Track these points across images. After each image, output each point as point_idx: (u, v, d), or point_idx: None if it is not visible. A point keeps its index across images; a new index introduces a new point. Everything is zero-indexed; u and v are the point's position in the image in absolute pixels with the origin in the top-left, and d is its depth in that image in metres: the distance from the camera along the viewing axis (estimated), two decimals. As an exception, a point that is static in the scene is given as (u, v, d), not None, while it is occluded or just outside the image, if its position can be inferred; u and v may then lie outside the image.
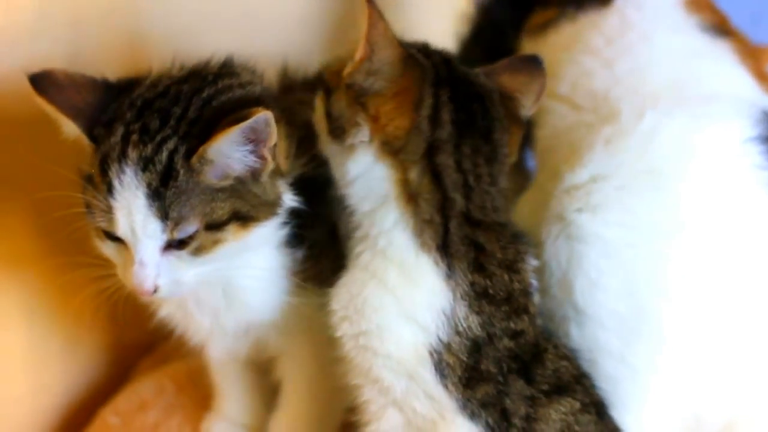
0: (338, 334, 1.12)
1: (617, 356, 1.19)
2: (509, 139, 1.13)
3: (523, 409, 1.09)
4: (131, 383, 1.50)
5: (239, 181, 1.11)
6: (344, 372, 1.15)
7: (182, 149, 1.08)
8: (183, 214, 1.08)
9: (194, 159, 1.08)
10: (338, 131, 1.10)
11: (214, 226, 1.10)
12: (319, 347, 1.23)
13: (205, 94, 1.12)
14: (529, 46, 1.41)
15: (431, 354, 1.07)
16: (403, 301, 1.08)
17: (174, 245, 1.10)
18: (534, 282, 1.13)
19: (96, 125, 1.13)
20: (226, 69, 1.18)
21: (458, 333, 1.08)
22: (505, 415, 1.08)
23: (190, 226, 1.09)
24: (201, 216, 1.09)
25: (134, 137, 1.09)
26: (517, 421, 1.08)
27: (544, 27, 1.39)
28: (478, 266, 1.09)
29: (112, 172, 1.09)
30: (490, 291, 1.09)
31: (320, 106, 1.14)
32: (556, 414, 1.09)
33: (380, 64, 1.08)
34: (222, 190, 1.10)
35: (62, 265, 1.31)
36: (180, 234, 1.09)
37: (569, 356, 1.14)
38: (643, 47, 1.30)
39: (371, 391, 1.12)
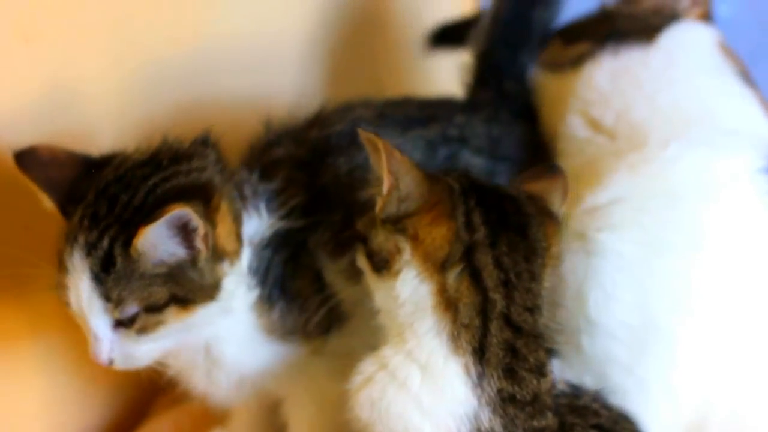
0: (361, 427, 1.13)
1: (626, 368, 1.24)
2: (547, 232, 1.14)
3: None
4: (149, 421, 1.51)
5: (175, 267, 1.14)
6: None
7: (121, 237, 1.13)
8: (123, 297, 1.14)
9: (131, 249, 1.12)
10: (382, 263, 1.12)
11: (154, 309, 1.15)
12: (317, 389, 1.27)
13: (151, 182, 1.16)
14: (555, 81, 1.45)
15: None
16: (425, 406, 1.08)
17: (123, 324, 1.15)
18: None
19: (70, 202, 1.18)
20: (185, 152, 1.21)
21: (479, 431, 1.08)
22: None
23: (131, 308, 1.15)
24: (140, 299, 1.14)
25: (85, 222, 1.15)
26: None
27: (580, 61, 1.43)
28: (510, 372, 1.09)
29: (66, 253, 1.15)
30: (517, 396, 1.09)
31: (361, 255, 1.16)
32: None
33: (408, 188, 1.11)
34: (159, 275, 1.14)
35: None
36: (122, 315, 1.15)
37: (597, 411, 1.15)
38: (684, 83, 1.36)
39: None
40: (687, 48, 1.40)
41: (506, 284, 1.09)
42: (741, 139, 1.30)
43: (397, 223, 1.11)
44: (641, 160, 1.28)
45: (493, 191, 1.15)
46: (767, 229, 1.25)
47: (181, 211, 1.11)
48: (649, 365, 1.24)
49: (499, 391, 1.08)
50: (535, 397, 1.09)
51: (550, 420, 1.10)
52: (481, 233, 1.10)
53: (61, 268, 1.16)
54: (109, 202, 1.15)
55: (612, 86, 1.38)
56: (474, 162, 1.36)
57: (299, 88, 1.72)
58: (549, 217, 1.16)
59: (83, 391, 1.48)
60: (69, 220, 1.17)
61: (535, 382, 1.10)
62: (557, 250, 1.15)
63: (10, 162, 1.21)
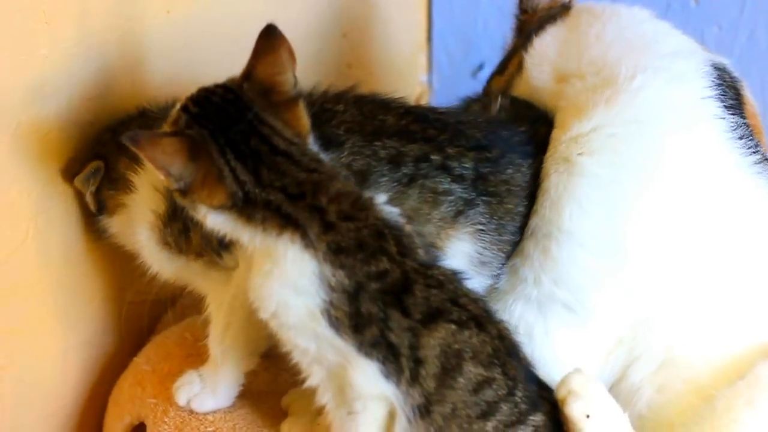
0: (262, 318, 1.27)
1: (588, 270, 1.39)
2: (290, 119, 1.26)
3: (406, 341, 1.22)
4: (157, 335, 1.64)
5: None
6: (278, 344, 1.30)
7: None
8: None
9: None
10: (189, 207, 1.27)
11: None
12: (216, 292, 1.44)
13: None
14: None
15: (322, 313, 1.22)
16: (283, 278, 1.22)
17: None
18: (392, 213, 1.26)
19: None
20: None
21: (333, 289, 1.21)
22: (392, 350, 1.22)
23: None
24: None
25: None
26: (404, 351, 1.22)
27: (519, 67, 1.58)
28: (327, 225, 1.22)
29: None
30: (342, 244, 1.22)
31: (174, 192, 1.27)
32: (434, 340, 1.22)
33: (178, 171, 1.22)
34: None
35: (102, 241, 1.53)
36: None
37: (443, 283, 1.25)
38: (616, 19, 1.52)
39: (297, 355, 1.27)
40: (599, 4, 1.56)
41: (278, 186, 1.23)
42: (686, 62, 1.45)
43: (185, 195, 1.25)
44: (614, 93, 1.41)
45: (239, 122, 1.24)
46: (714, 147, 1.41)
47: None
48: (607, 268, 1.39)
49: (327, 244, 1.21)
50: (360, 242, 1.23)
51: (386, 264, 1.23)
52: (248, 180, 1.23)
53: None
54: None
55: (558, 46, 1.53)
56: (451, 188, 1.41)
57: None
58: (288, 103, 1.26)
59: (103, 310, 1.62)
60: None
61: (350, 225, 1.23)
62: (306, 123, 1.27)
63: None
